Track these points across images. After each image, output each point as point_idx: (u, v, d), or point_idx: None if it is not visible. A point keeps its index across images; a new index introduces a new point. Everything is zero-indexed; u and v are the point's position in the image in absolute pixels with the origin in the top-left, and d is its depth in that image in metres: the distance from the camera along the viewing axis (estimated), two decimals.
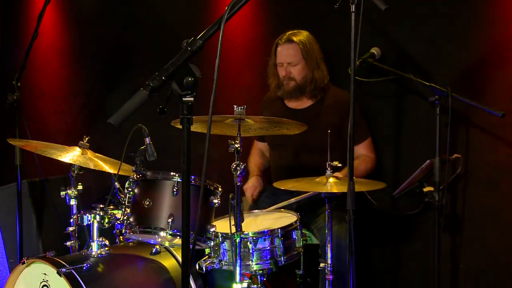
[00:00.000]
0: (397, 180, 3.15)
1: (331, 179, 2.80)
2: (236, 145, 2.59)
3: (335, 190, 2.73)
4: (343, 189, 2.57)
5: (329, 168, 2.81)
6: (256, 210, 3.27)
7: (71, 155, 2.88)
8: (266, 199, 3.44)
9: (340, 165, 2.82)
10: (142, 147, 2.73)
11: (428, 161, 3.02)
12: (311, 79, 3.37)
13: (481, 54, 3.38)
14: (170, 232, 2.56)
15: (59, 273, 2.51)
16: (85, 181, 2.99)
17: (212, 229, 2.69)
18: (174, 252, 2.93)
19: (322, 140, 3.02)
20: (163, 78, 1.65)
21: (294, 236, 2.84)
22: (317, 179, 2.85)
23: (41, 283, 2.64)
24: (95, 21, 4.73)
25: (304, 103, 3.45)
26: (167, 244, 2.88)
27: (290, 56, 3.36)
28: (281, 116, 3.18)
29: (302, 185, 2.88)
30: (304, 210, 3.09)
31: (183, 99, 1.70)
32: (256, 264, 2.74)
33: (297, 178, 2.95)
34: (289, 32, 3.41)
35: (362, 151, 3.38)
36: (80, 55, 4.87)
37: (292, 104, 3.48)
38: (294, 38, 3.36)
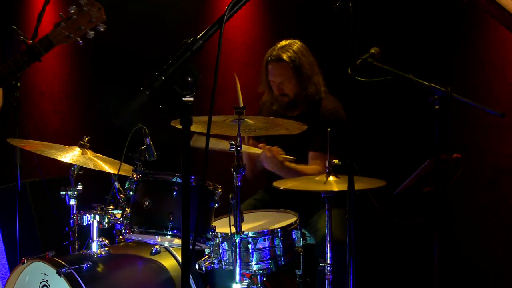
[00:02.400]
0: (397, 180, 3.14)
1: (330, 178, 2.79)
2: (236, 145, 2.60)
3: (335, 189, 2.72)
4: (343, 188, 2.57)
5: (328, 167, 2.81)
6: (256, 210, 3.27)
7: (71, 155, 2.88)
8: (267, 198, 3.44)
9: (340, 163, 2.81)
10: (142, 147, 2.73)
11: (427, 161, 3.02)
12: (305, 94, 3.34)
13: (481, 54, 3.38)
14: (170, 233, 2.56)
15: (59, 273, 2.51)
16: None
17: (211, 230, 2.69)
18: (174, 252, 2.93)
19: (303, 147, 3.05)
20: (163, 78, 1.65)
21: (294, 236, 2.84)
22: (316, 178, 2.84)
23: (41, 283, 2.64)
24: None
25: (295, 111, 3.43)
26: (167, 244, 2.88)
27: (281, 75, 3.32)
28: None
29: (302, 184, 2.88)
30: (298, 211, 3.09)
31: (183, 99, 1.70)
32: (256, 264, 2.74)
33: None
34: (279, 47, 3.33)
35: (314, 159, 3.32)
36: (79, 55, 4.87)
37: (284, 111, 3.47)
38: (284, 56, 3.28)
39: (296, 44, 3.35)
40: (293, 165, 3.23)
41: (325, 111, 3.35)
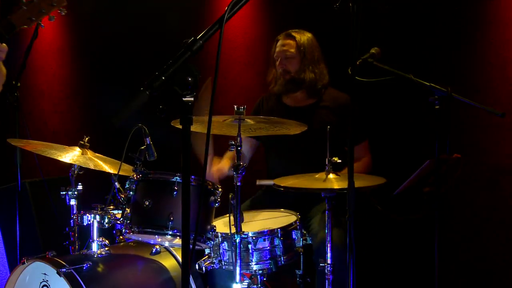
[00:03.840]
0: (397, 180, 3.15)
1: (330, 175, 2.79)
2: (236, 145, 2.61)
3: (335, 187, 2.72)
4: (343, 185, 2.57)
5: (329, 164, 2.81)
6: (256, 210, 3.27)
7: (71, 155, 2.88)
8: (266, 198, 3.44)
9: (340, 161, 2.81)
10: (142, 147, 2.73)
11: (427, 161, 3.02)
12: (308, 74, 3.39)
13: (481, 54, 3.38)
14: (170, 232, 2.56)
15: (59, 273, 2.51)
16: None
17: (212, 230, 2.69)
18: (174, 252, 2.93)
19: (318, 140, 3.03)
20: (163, 78, 1.65)
21: (294, 236, 2.84)
22: (316, 175, 2.84)
23: (41, 283, 2.64)
24: (94, 21, 4.73)
25: (301, 102, 3.45)
26: (167, 244, 2.88)
27: (286, 49, 3.41)
28: (277, 113, 3.21)
29: (302, 182, 2.87)
30: (298, 212, 3.09)
31: (183, 99, 1.70)
32: (256, 264, 2.74)
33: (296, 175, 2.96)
34: (290, 30, 3.46)
35: (359, 153, 3.38)
36: (79, 55, 4.87)
37: (289, 102, 3.49)
38: (293, 33, 3.42)
39: (308, 33, 3.47)
40: None
41: (338, 100, 3.38)
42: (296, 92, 3.45)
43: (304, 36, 3.42)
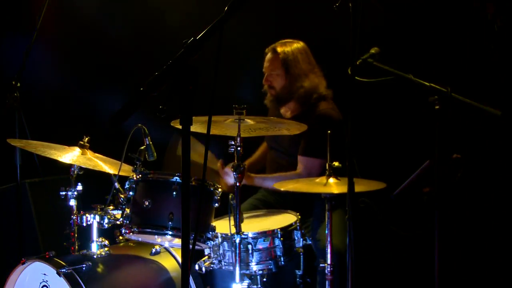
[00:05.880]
0: (396, 181, 3.16)
1: (331, 180, 2.79)
2: (236, 145, 2.61)
3: (335, 191, 2.72)
4: (343, 190, 2.57)
5: (329, 169, 2.80)
6: (256, 210, 3.27)
7: (71, 155, 2.88)
8: (266, 198, 3.44)
9: (340, 165, 2.80)
10: (142, 147, 2.73)
11: (427, 161, 3.01)
12: (294, 90, 3.32)
13: (481, 54, 3.38)
14: (170, 232, 2.56)
15: (58, 273, 2.51)
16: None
17: (211, 230, 2.69)
18: (174, 252, 2.93)
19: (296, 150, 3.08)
20: (163, 78, 1.65)
21: (294, 236, 2.84)
22: (316, 180, 2.84)
23: (40, 283, 2.64)
24: (95, 21, 4.73)
25: (290, 112, 3.42)
26: (167, 244, 2.88)
27: (269, 66, 3.36)
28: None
29: (302, 186, 2.88)
30: (299, 211, 3.09)
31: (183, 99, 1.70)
32: (256, 264, 2.74)
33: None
34: (279, 41, 3.39)
35: (300, 165, 3.29)
36: (80, 55, 4.87)
37: (281, 110, 3.48)
38: (278, 49, 3.33)
39: (297, 43, 3.37)
40: (263, 175, 3.31)
41: (315, 115, 3.30)
42: (287, 104, 3.40)
43: (289, 50, 3.32)
